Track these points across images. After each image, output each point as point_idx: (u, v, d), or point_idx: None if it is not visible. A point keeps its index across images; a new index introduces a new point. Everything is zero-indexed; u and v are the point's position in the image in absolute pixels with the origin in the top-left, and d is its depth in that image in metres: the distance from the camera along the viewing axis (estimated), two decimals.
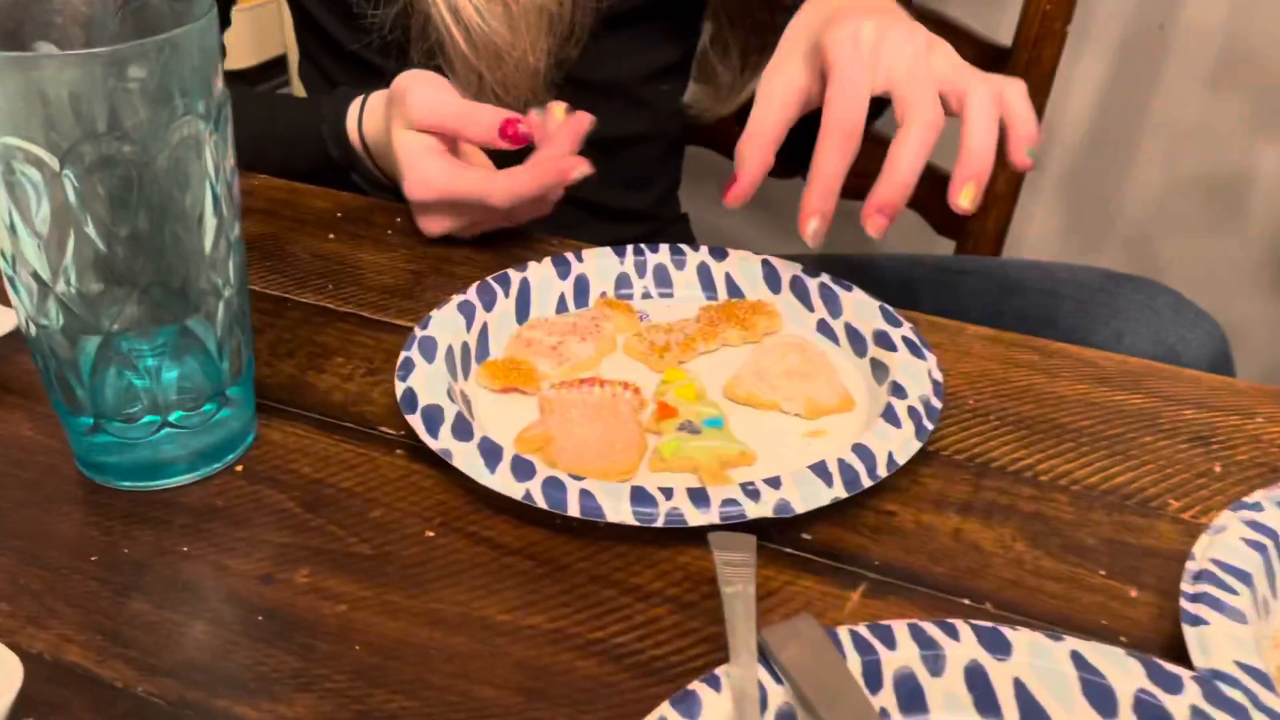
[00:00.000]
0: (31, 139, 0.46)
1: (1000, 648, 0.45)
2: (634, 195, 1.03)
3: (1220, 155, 1.63)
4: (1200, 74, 1.60)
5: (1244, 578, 0.48)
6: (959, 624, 0.46)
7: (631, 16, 0.92)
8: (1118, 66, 1.64)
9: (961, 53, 1.33)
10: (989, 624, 0.46)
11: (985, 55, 1.23)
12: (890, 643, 0.45)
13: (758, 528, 0.53)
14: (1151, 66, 1.62)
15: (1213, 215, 1.68)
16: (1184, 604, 0.47)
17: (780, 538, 0.53)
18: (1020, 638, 0.45)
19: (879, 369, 0.63)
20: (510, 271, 0.69)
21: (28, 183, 0.47)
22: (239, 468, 0.57)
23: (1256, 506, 0.51)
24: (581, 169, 0.71)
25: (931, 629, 0.46)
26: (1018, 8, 1.21)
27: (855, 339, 0.66)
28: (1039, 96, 1.20)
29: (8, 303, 0.63)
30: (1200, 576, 0.48)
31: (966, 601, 0.50)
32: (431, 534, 0.53)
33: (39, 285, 0.50)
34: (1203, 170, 1.65)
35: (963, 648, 0.45)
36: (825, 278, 0.69)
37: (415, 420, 0.57)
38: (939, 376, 0.61)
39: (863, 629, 0.45)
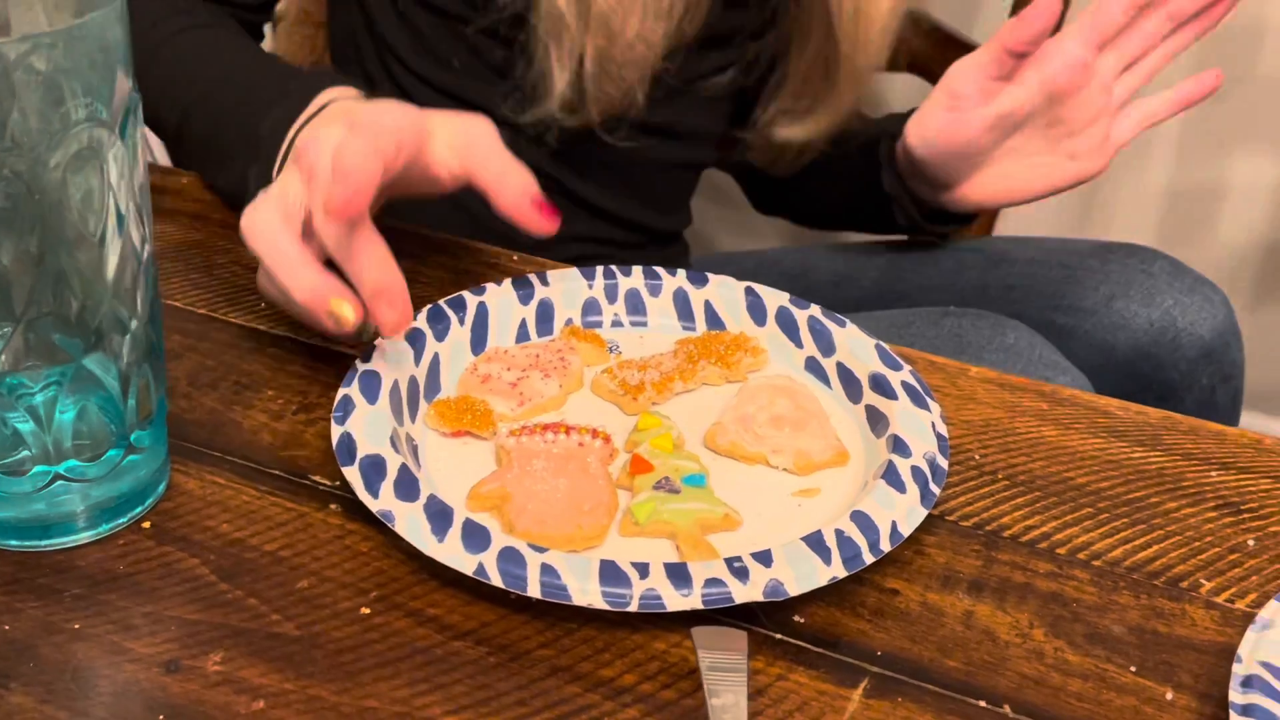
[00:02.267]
0: None
1: None
2: (665, 218, 0.99)
3: (1192, 164, 1.60)
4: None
5: None
6: None
7: (726, 37, 0.87)
8: None
9: (948, 58, 1.28)
10: None
11: None
12: None
13: (745, 611, 0.47)
14: None
15: (1184, 224, 1.64)
16: (1235, 718, 0.41)
17: (769, 620, 0.47)
18: None
19: (876, 418, 0.57)
20: (466, 294, 0.61)
21: None
22: (146, 524, 0.49)
23: None
24: None
25: None
26: (1002, 11, 1.15)
27: (849, 381, 0.59)
28: None
29: None
30: (1250, 683, 0.42)
31: (983, 703, 0.44)
32: (367, 610, 0.46)
33: None
34: (1175, 179, 1.61)
35: None
36: (815, 310, 0.62)
37: (353, 474, 0.50)
38: (944, 431, 0.54)
39: None
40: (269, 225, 0.53)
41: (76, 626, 0.45)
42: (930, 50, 1.20)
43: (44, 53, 0.39)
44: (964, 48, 1.19)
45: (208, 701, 0.42)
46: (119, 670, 0.43)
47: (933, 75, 1.22)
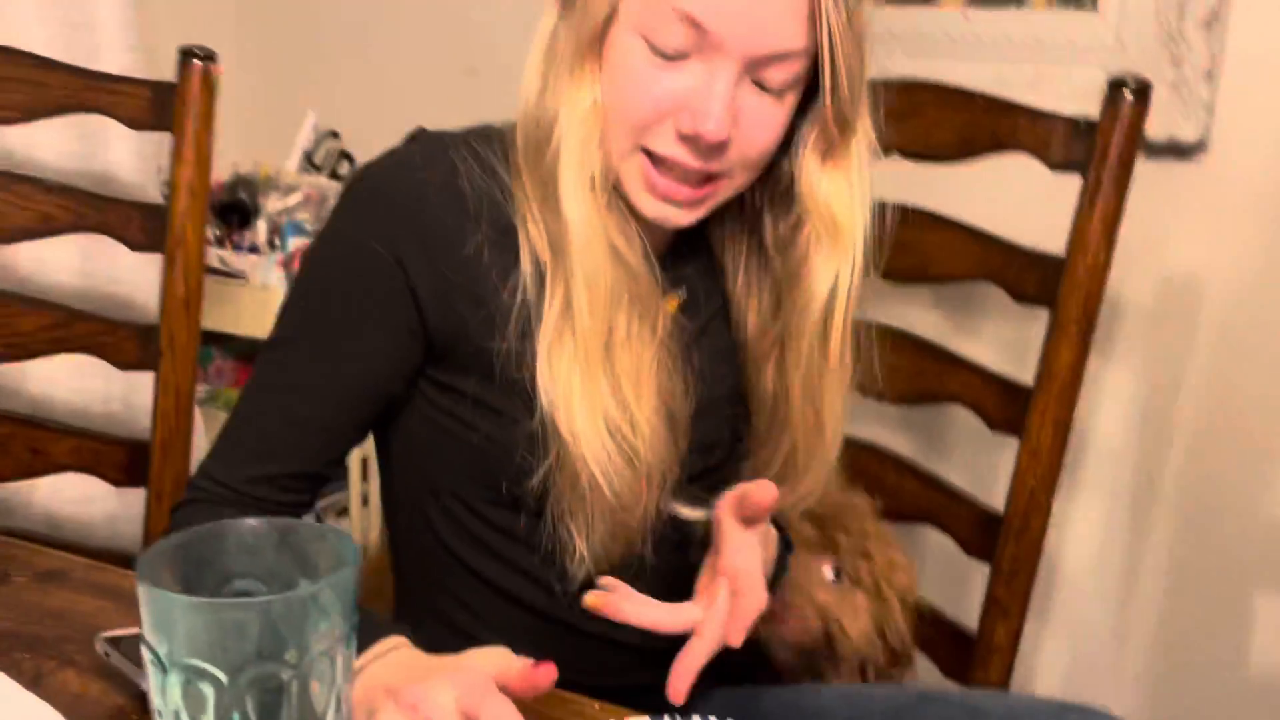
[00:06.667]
0: (211, 661, 0.58)
1: None
2: None
3: (1218, 595, 1.69)
4: (1187, 522, 1.71)
5: None
6: None
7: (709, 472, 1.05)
8: (1111, 512, 1.74)
9: (960, 518, 1.44)
10: None
11: (980, 521, 1.36)
12: None
13: None
14: (1141, 514, 1.72)
15: (1218, 652, 1.70)
16: None
17: None
18: None
19: None
20: None
21: (202, 693, 0.59)
22: None
23: None
24: None
25: None
26: (1008, 476, 1.33)
27: None
28: (1029, 563, 1.31)
29: None
30: None
31: None
32: None
33: None
34: (1204, 610, 1.70)
35: None
36: None
37: None
38: None
39: None
40: None
41: None
42: None
43: (321, 593, 0.60)
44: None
45: None
46: None
47: None
